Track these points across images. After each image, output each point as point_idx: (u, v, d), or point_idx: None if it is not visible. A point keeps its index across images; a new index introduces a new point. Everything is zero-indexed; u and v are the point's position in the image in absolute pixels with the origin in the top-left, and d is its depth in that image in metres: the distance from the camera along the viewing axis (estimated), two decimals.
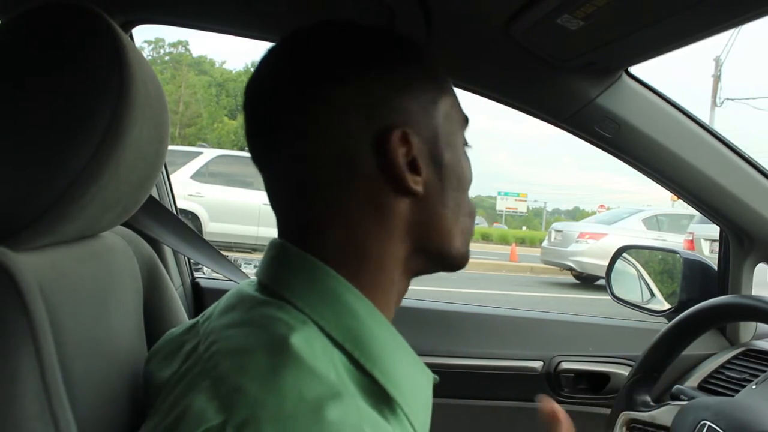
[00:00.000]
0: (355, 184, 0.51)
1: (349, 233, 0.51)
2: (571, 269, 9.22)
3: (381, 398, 0.47)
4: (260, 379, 0.41)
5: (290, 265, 0.52)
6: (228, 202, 7.60)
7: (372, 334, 0.49)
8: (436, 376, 0.56)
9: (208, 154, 8.12)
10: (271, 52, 0.55)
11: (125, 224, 0.73)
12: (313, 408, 0.39)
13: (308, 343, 0.45)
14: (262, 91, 0.55)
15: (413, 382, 0.51)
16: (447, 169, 0.55)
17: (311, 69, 0.52)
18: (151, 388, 0.57)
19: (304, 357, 0.43)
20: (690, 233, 7.70)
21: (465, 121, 0.60)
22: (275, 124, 0.53)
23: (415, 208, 0.53)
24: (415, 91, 0.53)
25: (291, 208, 0.55)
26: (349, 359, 0.47)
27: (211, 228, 7.56)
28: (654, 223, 9.13)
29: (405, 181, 0.51)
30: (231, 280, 1.17)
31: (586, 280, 9.19)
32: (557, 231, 9.63)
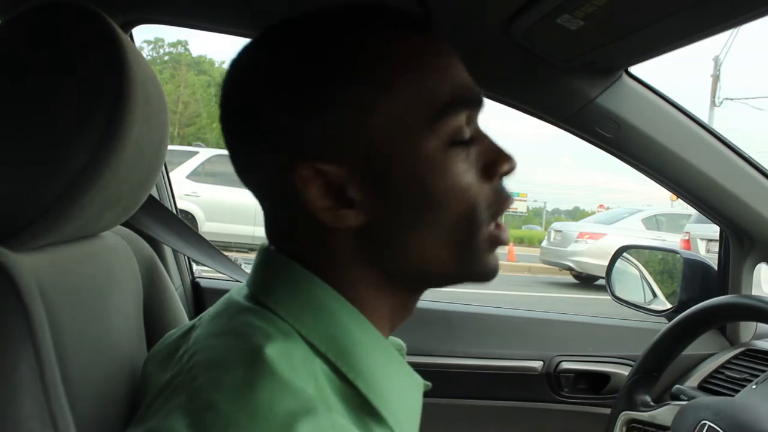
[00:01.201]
0: (293, 219, 0.48)
1: (311, 261, 0.49)
2: (570, 269, 9.22)
3: (365, 410, 0.46)
4: (233, 396, 0.40)
5: (274, 272, 0.50)
6: (224, 202, 7.58)
7: (356, 343, 0.47)
8: (428, 383, 0.53)
9: (204, 153, 8.11)
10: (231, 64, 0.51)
11: (125, 224, 0.73)
12: (284, 425, 0.38)
13: (287, 353, 0.43)
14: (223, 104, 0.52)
15: (400, 392, 0.49)
16: (398, 186, 0.46)
17: (231, 101, 0.50)
18: (148, 390, 0.56)
19: (280, 370, 0.41)
20: (686, 233, 7.71)
21: (449, 102, 0.47)
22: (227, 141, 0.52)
23: (362, 238, 0.47)
24: (335, 106, 0.45)
25: (266, 225, 0.54)
26: (333, 369, 0.46)
27: (208, 228, 7.54)
28: (653, 222, 9.13)
29: (323, 219, 0.46)
30: (232, 280, 1.17)
31: (585, 280, 9.19)
32: (556, 231, 9.62)
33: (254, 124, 0.47)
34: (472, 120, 0.50)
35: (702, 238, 7.32)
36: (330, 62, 0.46)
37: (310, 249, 0.49)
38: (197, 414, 0.40)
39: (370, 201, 0.46)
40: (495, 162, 0.49)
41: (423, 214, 0.47)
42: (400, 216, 0.47)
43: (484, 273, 0.50)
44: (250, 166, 0.50)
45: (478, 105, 0.50)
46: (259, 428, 0.38)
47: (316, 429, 0.39)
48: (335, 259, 0.48)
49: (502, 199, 0.50)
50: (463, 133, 0.48)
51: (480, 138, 0.50)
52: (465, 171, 0.48)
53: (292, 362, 0.43)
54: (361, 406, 0.46)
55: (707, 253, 6.83)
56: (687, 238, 7.60)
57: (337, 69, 0.46)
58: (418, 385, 0.52)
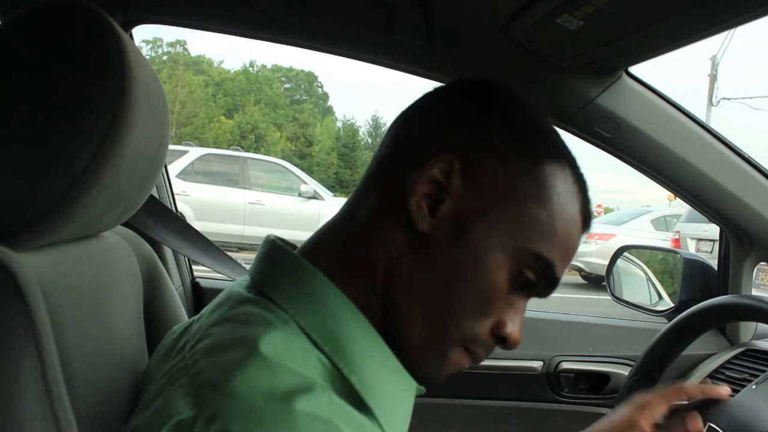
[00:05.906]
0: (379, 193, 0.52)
1: (348, 240, 0.52)
2: (580, 270, 9.20)
3: (357, 404, 0.46)
4: (232, 374, 0.41)
5: (278, 264, 0.52)
6: (214, 201, 7.52)
7: (353, 339, 0.48)
8: (422, 387, 0.54)
9: (194, 152, 8.07)
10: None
11: (126, 224, 0.73)
12: (283, 400, 0.39)
13: (286, 341, 0.45)
14: None
15: (393, 392, 0.49)
16: (463, 244, 0.49)
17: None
18: (149, 381, 0.57)
19: (279, 353, 0.43)
20: (676, 232, 7.69)
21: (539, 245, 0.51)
22: None
23: (405, 247, 0.50)
24: (492, 142, 0.52)
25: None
26: (329, 363, 0.47)
27: (197, 227, 7.49)
28: (662, 223, 9.11)
29: (410, 209, 0.49)
30: (232, 280, 1.17)
31: (593, 281, 9.15)
32: None
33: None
34: (527, 285, 0.52)
35: (692, 237, 7.30)
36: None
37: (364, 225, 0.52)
38: (198, 392, 0.41)
39: (439, 227, 0.49)
40: (507, 325, 0.52)
41: (452, 284, 0.49)
42: (440, 259, 0.49)
43: (421, 372, 0.51)
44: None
45: (542, 279, 0.52)
46: (257, 404, 0.39)
47: (314, 405, 0.40)
48: (378, 242, 0.51)
49: (478, 345, 0.52)
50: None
51: (518, 307, 0.53)
52: (495, 287, 0.50)
53: (291, 350, 0.44)
54: (354, 401, 0.46)
55: (697, 252, 6.82)
56: (677, 237, 7.60)
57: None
58: (410, 386, 0.52)
